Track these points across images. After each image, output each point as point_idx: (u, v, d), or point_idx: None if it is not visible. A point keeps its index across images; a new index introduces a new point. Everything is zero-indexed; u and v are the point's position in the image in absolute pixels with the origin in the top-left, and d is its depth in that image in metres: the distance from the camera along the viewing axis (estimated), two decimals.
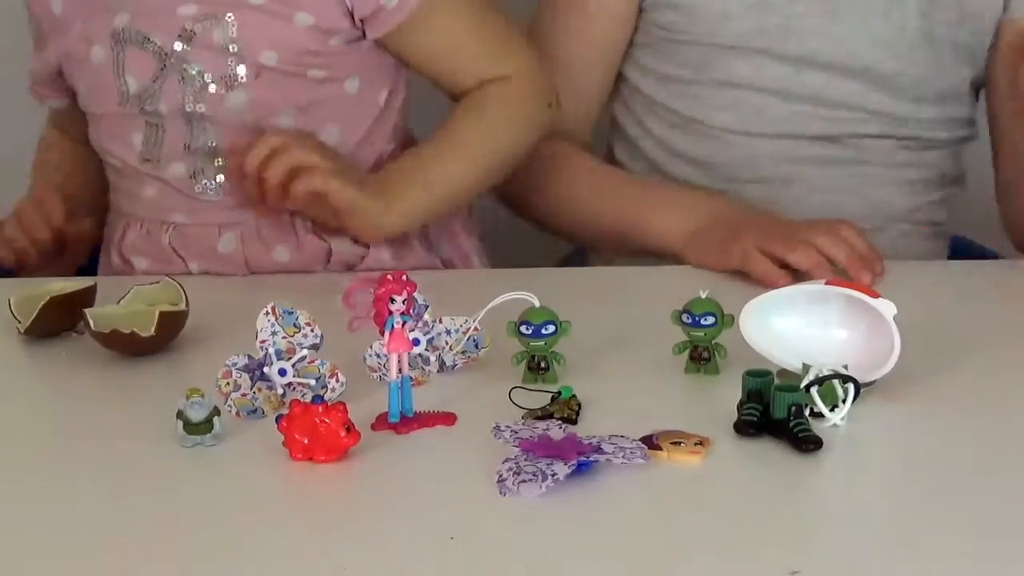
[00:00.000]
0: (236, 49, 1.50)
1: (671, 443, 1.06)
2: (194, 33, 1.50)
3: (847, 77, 1.58)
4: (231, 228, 1.56)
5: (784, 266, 1.40)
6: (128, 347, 1.25)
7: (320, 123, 1.54)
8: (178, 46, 1.51)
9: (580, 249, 1.78)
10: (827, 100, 1.59)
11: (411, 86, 1.64)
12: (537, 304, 1.17)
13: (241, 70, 1.50)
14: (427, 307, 1.19)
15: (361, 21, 1.53)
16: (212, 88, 1.51)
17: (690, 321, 1.19)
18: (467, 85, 1.58)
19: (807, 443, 1.05)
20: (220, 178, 1.54)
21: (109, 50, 1.54)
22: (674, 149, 1.65)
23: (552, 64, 1.62)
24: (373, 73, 1.58)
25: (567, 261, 1.80)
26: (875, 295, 1.14)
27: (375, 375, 1.19)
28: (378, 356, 1.18)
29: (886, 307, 1.13)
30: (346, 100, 1.56)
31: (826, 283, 1.17)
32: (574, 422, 1.11)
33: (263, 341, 1.14)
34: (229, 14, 1.50)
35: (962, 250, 1.76)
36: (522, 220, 1.72)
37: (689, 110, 1.63)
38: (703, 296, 1.19)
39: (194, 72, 1.51)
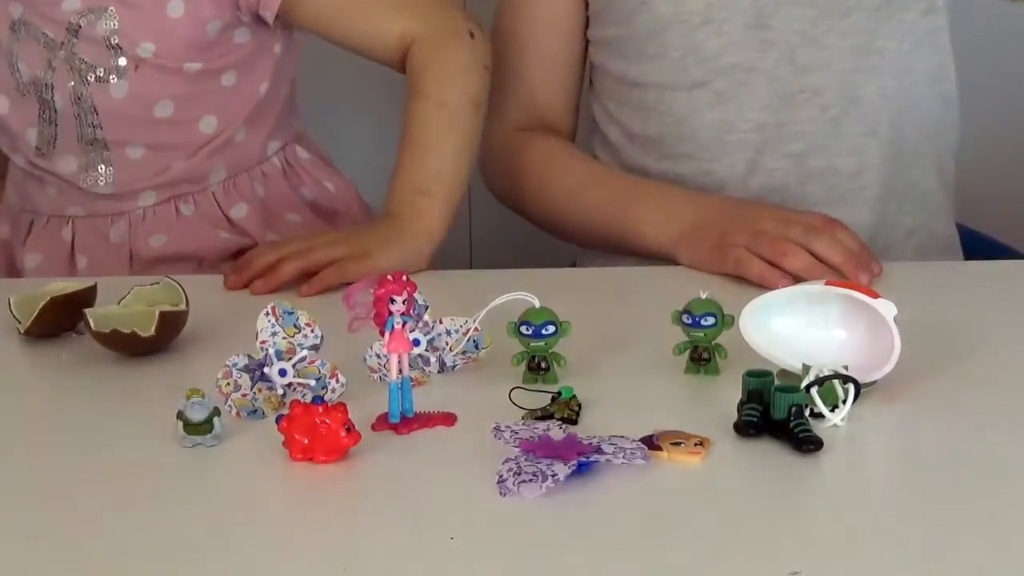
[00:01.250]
0: (117, 41, 1.57)
1: (671, 443, 1.06)
2: (80, 26, 1.57)
3: None
4: (121, 217, 1.64)
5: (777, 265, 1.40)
6: (128, 347, 1.25)
7: (198, 112, 1.62)
8: (66, 38, 1.58)
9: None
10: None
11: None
12: (537, 304, 1.17)
13: (122, 62, 1.57)
14: (427, 307, 1.19)
15: (249, 9, 1.58)
16: (96, 79, 1.58)
17: (690, 321, 1.19)
18: (389, 46, 1.60)
19: (807, 444, 1.05)
20: (109, 170, 1.62)
21: (5, 40, 1.61)
22: (627, 129, 1.64)
23: (521, 63, 1.65)
24: (250, 66, 1.64)
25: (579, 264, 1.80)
26: (875, 295, 1.14)
27: (375, 375, 1.19)
28: (378, 356, 1.18)
29: (886, 307, 1.13)
30: (223, 92, 1.63)
31: (826, 283, 1.17)
32: (574, 422, 1.11)
33: (263, 341, 1.14)
34: (111, 7, 1.57)
35: (972, 243, 1.73)
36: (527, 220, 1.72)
37: (626, 70, 1.61)
38: (703, 296, 1.19)
39: (81, 64, 1.58)
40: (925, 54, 1.59)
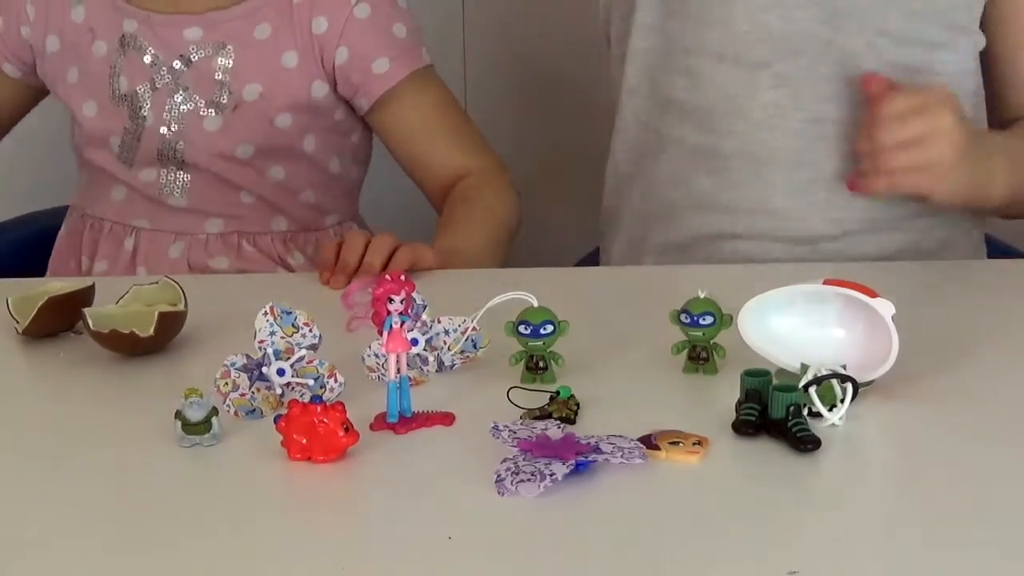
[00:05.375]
0: (227, 79, 1.63)
1: (669, 443, 1.06)
2: (191, 60, 1.64)
3: None
4: (183, 237, 1.68)
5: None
6: (127, 347, 1.25)
7: (271, 162, 1.69)
8: (177, 64, 1.64)
9: (593, 253, 1.77)
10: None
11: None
12: (535, 304, 1.17)
13: (225, 100, 1.64)
14: (425, 307, 1.19)
15: (347, 92, 1.67)
16: (196, 108, 1.65)
17: (688, 321, 1.19)
18: (443, 175, 1.71)
19: (805, 443, 1.05)
20: (185, 185, 1.67)
21: (111, 49, 1.65)
22: (667, 97, 1.59)
23: None
24: (328, 141, 1.72)
25: (581, 264, 1.80)
26: (873, 295, 1.14)
27: (373, 375, 1.19)
28: (376, 356, 1.18)
29: (884, 307, 1.13)
30: (299, 154, 1.70)
31: (824, 283, 1.17)
32: (572, 422, 1.11)
33: (261, 341, 1.14)
34: (230, 45, 1.64)
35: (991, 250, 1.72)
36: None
37: (683, 34, 1.57)
38: (701, 296, 1.19)
39: (184, 91, 1.64)
40: (973, 77, 1.59)
